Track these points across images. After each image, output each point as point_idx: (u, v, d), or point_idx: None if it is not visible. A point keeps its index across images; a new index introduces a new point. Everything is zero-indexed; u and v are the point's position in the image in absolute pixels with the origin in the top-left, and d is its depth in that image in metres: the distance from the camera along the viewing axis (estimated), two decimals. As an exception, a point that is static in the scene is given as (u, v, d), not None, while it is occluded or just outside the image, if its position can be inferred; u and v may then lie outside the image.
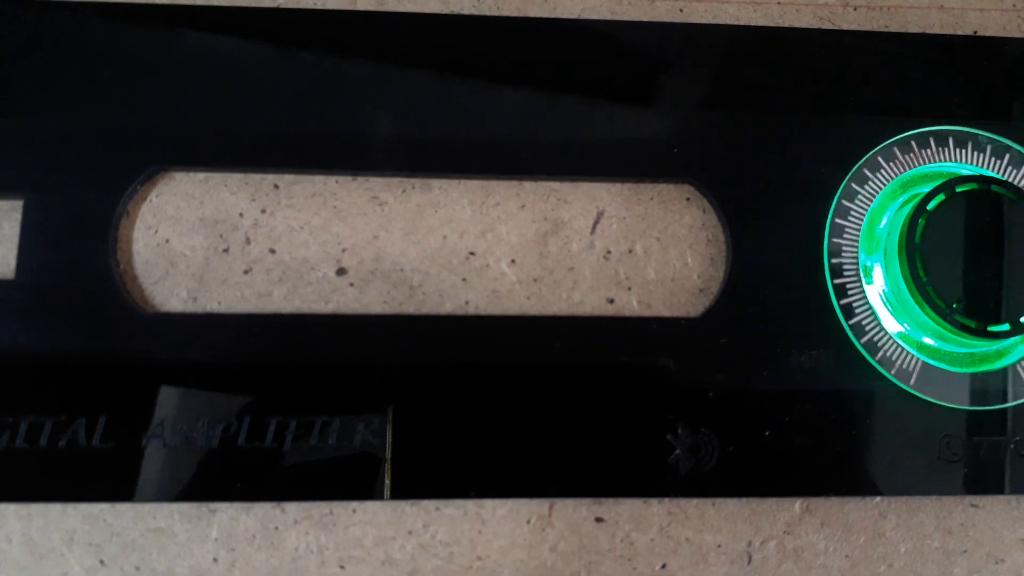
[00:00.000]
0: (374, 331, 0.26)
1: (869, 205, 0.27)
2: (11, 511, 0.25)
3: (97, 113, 0.26)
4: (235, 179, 0.27)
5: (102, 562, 0.25)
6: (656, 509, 0.26)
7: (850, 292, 0.27)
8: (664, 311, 0.27)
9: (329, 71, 0.27)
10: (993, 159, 0.28)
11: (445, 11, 0.29)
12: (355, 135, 0.27)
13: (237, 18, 0.27)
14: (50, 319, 0.25)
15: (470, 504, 0.26)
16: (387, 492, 0.25)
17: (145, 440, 0.25)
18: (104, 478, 0.25)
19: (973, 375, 0.27)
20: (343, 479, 0.25)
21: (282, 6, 0.28)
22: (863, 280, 0.27)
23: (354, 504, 0.25)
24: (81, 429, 0.25)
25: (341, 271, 0.27)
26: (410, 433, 0.25)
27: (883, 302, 0.27)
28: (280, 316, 0.26)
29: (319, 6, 0.28)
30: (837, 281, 0.27)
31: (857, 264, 0.27)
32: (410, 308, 0.27)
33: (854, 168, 0.27)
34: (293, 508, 0.25)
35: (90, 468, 0.25)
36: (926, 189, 0.26)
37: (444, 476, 0.26)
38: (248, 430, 0.25)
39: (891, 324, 0.27)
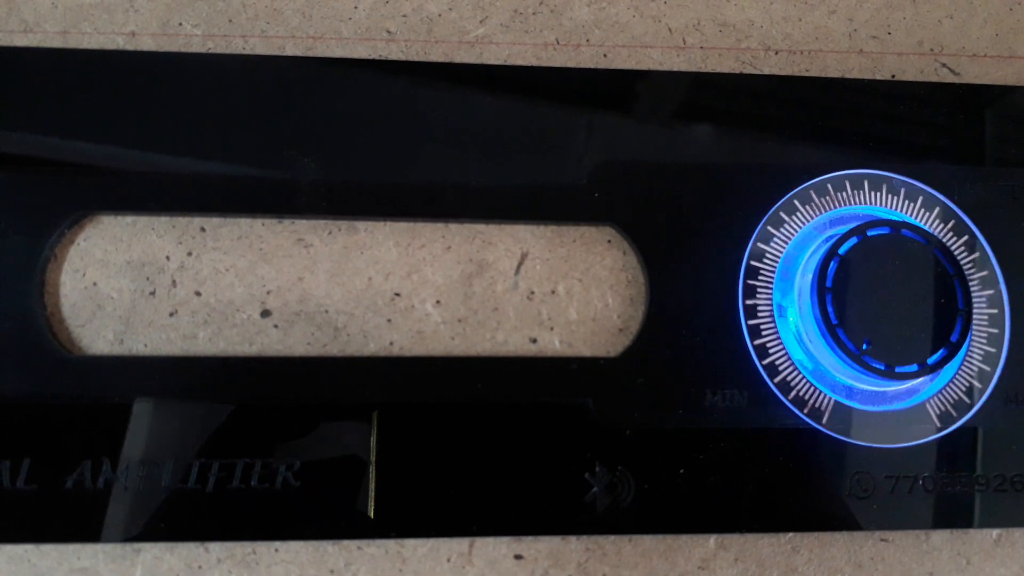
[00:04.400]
0: (298, 372, 0.28)
1: (784, 248, 0.30)
2: None
3: (24, 156, 0.28)
4: (162, 222, 0.29)
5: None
6: (574, 546, 0.28)
7: (764, 333, 0.29)
8: (585, 351, 0.29)
9: (256, 115, 0.29)
10: (907, 202, 0.31)
11: (372, 56, 0.31)
12: (281, 178, 0.29)
13: (164, 63, 0.29)
14: None
15: (391, 543, 0.28)
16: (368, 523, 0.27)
17: (70, 482, 0.27)
18: (28, 520, 0.27)
19: (883, 413, 0.29)
20: (265, 519, 0.27)
21: (211, 51, 0.30)
22: (776, 321, 0.29)
23: (276, 544, 0.28)
24: (5, 471, 0.27)
25: (266, 313, 0.29)
26: (332, 473, 0.28)
27: (796, 342, 0.29)
28: (205, 358, 0.28)
29: (247, 51, 0.30)
30: (752, 322, 0.29)
31: (771, 305, 0.29)
32: (334, 350, 0.29)
33: (770, 211, 0.30)
34: (216, 547, 0.27)
35: (14, 510, 0.27)
36: (839, 232, 0.29)
37: (365, 515, 0.28)
38: (172, 471, 0.27)
39: (804, 364, 0.29)
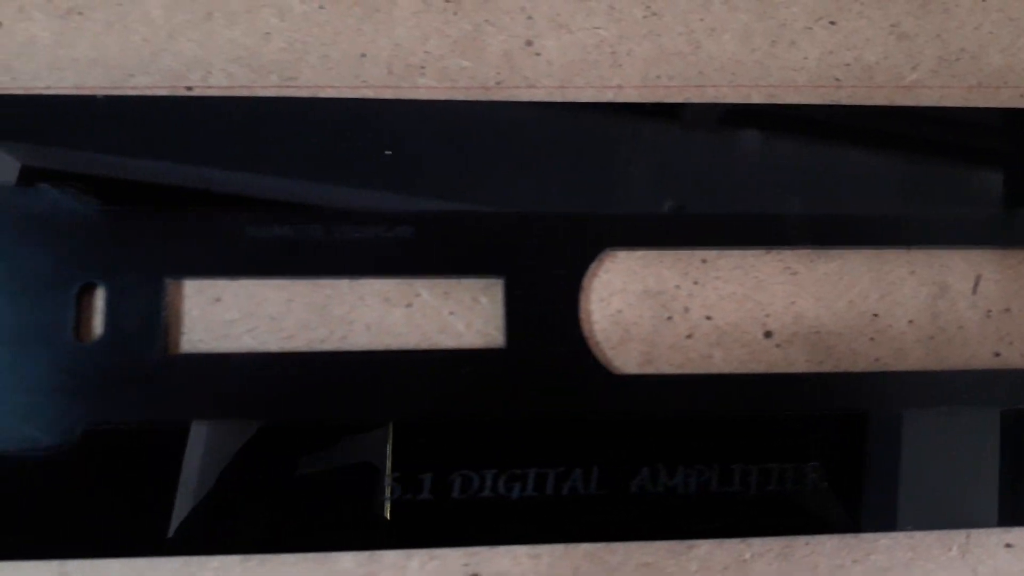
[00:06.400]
0: (800, 388, 0.33)
1: None
2: (524, 551, 0.31)
3: (557, 202, 0.33)
4: (667, 256, 0.34)
5: None
6: (1053, 535, 0.33)
7: None
8: (1044, 363, 0.34)
9: (747, 159, 0.34)
10: None
11: (824, 101, 0.36)
12: (769, 214, 0.34)
13: (669, 113, 0.34)
14: (536, 381, 0.32)
15: (901, 536, 0.33)
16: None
17: (634, 486, 0.32)
18: (598, 521, 0.31)
19: None
20: (794, 516, 0.32)
21: (688, 100, 0.35)
22: None
23: (806, 538, 0.32)
24: (579, 478, 0.31)
25: (768, 334, 0.34)
26: (845, 475, 0.32)
27: None
28: (726, 376, 0.33)
29: (718, 99, 0.35)
30: None
31: None
32: (828, 366, 0.34)
33: None
34: (757, 543, 0.32)
35: (587, 513, 0.31)
36: None
37: (862, 510, 0.32)
38: (718, 475, 0.32)
39: None
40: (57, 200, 0.31)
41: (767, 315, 0.33)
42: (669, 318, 0.33)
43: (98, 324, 0.31)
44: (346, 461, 0.31)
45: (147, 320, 0.31)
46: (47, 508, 0.30)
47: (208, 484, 0.30)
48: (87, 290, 0.31)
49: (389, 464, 0.31)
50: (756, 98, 0.35)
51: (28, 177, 0.31)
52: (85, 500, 0.30)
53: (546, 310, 0.32)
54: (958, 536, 0.32)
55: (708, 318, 0.33)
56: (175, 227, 0.31)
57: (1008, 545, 0.32)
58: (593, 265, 0.33)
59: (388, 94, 0.34)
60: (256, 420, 0.31)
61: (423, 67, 0.34)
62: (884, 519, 0.32)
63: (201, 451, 0.30)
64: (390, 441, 0.31)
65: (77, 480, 0.30)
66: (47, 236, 0.31)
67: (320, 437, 0.31)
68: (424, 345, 0.32)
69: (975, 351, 0.33)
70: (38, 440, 0.30)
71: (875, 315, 0.33)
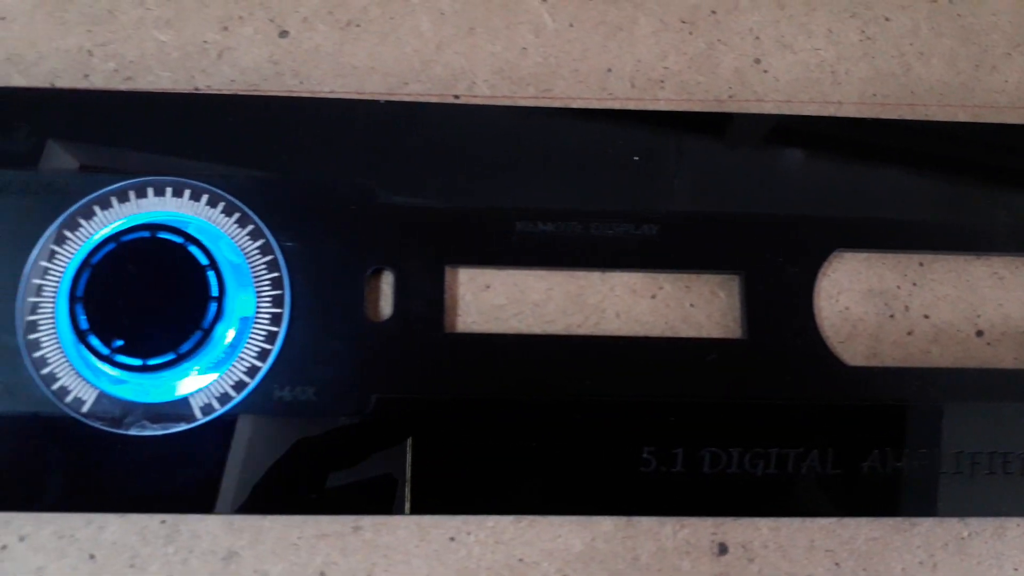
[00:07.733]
0: (1012, 383, 0.37)
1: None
2: (765, 524, 0.35)
3: (792, 205, 0.37)
4: (887, 258, 0.37)
5: (837, 565, 0.35)
6: None
7: None
8: None
9: (957, 173, 0.38)
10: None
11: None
12: (979, 223, 0.37)
13: (885, 129, 0.38)
14: (775, 370, 0.36)
15: None
16: None
17: (865, 467, 0.35)
18: (833, 497, 0.35)
19: None
20: (1013, 499, 0.35)
21: (903, 117, 0.39)
22: None
23: (1017, 520, 0.36)
24: (815, 459, 0.35)
25: (979, 333, 0.37)
26: None
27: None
28: (940, 370, 0.36)
29: (933, 118, 0.38)
30: None
31: None
32: None
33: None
34: (973, 523, 0.35)
35: (823, 490, 0.35)
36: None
37: None
38: (942, 460, 0.35)
39: None
40: (350, 193, 0.35)
41: (978, 315, 0.37)
42: (891, 316, 0.36)
43: (385, 305, 0.34)
44: (607, 435, 0.34)
45: (429, 302, 0.34)
46: (343, 469, 0.33)
47: (494, 450, 0.34)
48: (376, 274, 0.35)
49: (644, 439, 0.34)
50: (962, 117, 0.39)
51: (325, 173, 0.35)
52: (378, 462, 0.33)
53: (782, 305, 0.36)
54: None
55: (926, 317, 0.36)
56: (453, 221, 0.35)
57: None
58: (825, 264, 0.36)
59: (632, 106, 0.37)
60: (525, 394, 0.34)
61: (663, 81, 0.38)
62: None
63: (484, 421, 0.33)
64: (643, 418, 0.34)
65: (372, 444, 0.33)
66: (343, 225, 0.34)
67: (579, 413, 0.34)
68: (668, 333, 0.36)
69: None
70: (337, 407, 0.33)
71: (1076, 318, 0.37)
